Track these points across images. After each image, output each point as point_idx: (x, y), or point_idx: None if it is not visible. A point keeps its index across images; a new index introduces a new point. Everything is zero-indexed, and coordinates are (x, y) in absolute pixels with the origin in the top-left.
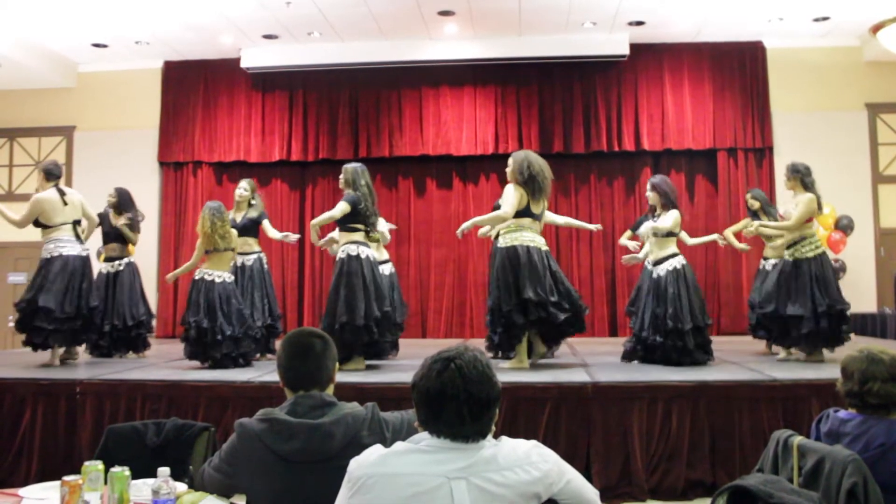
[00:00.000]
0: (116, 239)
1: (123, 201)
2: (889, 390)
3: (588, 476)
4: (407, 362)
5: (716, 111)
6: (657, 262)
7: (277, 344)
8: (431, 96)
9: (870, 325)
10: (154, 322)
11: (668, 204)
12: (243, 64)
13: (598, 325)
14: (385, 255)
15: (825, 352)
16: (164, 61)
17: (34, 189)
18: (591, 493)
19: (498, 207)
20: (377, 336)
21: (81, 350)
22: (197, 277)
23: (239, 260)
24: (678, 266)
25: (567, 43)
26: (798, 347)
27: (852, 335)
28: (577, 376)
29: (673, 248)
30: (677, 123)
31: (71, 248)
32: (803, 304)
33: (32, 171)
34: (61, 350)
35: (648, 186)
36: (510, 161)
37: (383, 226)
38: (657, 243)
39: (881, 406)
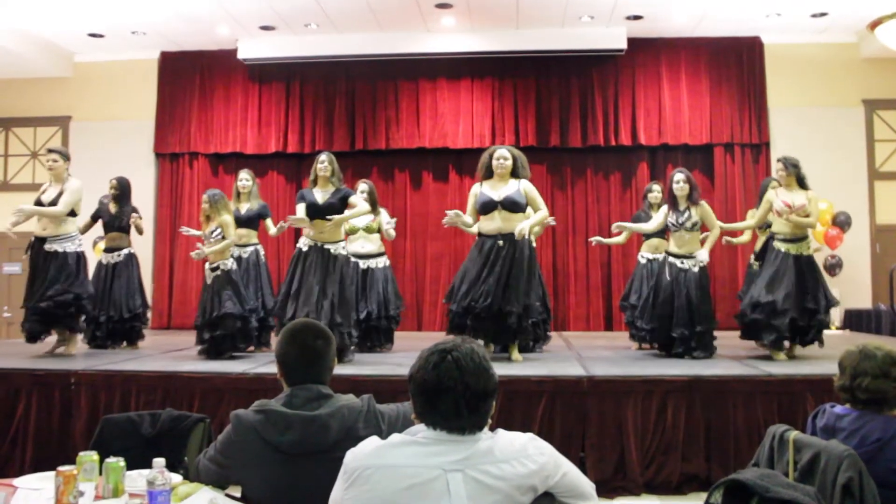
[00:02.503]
0: (118, 229)
1: (125, 192)
2: (879, 386)
3: (583, 469)
4: (402, 355)
5: (713, 106)
6: (688, 256)
7: (272, 337)
8: (428, 89)
9: (865, 321)
10: (150, 314)
11: (695, 198)
12: (240, 55)
13: (594, 320)
14: (381, 247)
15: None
16: (161, 52)
17: (34, 177)
18: (588, 486)
19: (497, 203)
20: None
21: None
22: (216, 268)
23: (236, 252)
24: (704, 265)
25: (564, 37)
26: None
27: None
28: (573, 370)
29: (699, 245)
30: (674, 118)
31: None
32: (815, 299)
33: (28, 162)
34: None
35: (683, 177)
36: (510, 154)
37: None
38: (691, 237)
39: (871, 401)
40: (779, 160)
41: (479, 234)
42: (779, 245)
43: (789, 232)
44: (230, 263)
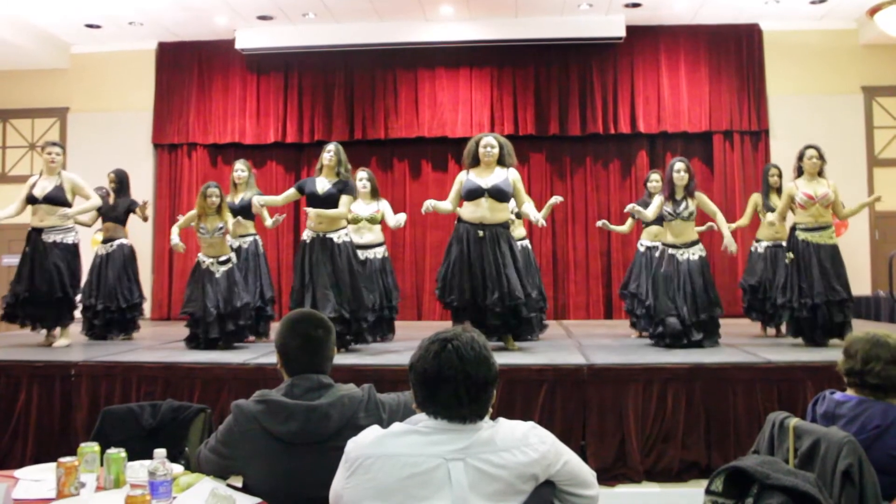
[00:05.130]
0: (113, 220)
1: (123, 184)
2: (890, 373)
3: (584, 458)
4: (403, 344)
5: (712, 94)
6: (686, 245)
7: (271, 327)
8: (427, 78)
9: (864, 308)
10: (147, 304)
11: (693, 188)
12: (238, 45)
13: (594, 308)
14: (380, 237)
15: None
16: (158, 42)
17: (32, 168)
18: (588, 474)
19: (485, 190)
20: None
21: (77, 332)
22: (226, 260)
23: (234, 242)
24: (703, 254)
25: (563, 25)
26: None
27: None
28: (573, 358)
29: (696, 233)
30: (673, 106)
31: None
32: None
33: (26, 153)
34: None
35: (683, 166)
36: (497, 142)
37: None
38: (687, 226)
39: (879, 387)
40: (811, 148)
41: (460, 220)
42: (801, 235)
43: (812, 221)
44: (234, 256)
